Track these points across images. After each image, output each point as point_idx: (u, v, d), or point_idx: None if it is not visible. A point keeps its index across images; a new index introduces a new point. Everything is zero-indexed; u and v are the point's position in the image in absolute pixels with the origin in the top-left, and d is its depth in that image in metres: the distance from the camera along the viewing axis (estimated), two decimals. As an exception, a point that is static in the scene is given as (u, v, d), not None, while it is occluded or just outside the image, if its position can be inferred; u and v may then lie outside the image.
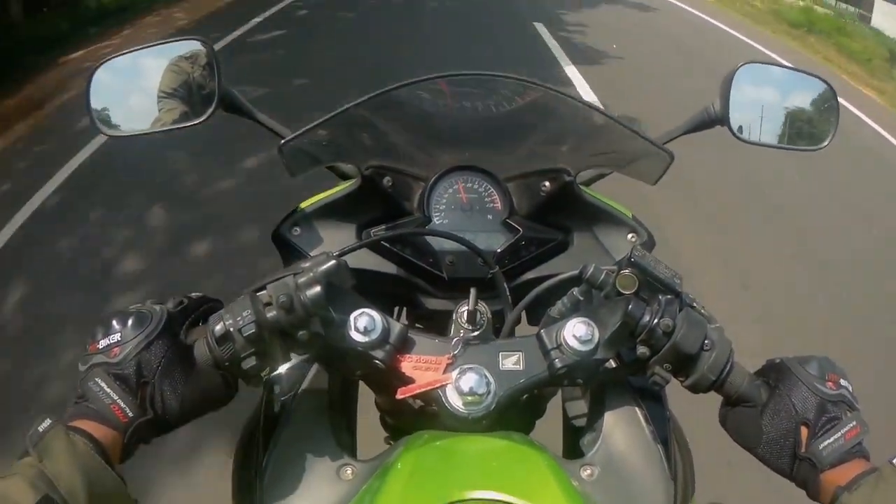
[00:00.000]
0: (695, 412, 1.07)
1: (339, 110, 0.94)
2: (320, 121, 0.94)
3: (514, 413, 0.98)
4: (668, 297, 0.82)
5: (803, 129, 1.27)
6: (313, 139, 0.99)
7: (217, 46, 1.14)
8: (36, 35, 8.54)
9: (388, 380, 0.86)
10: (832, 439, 0.77)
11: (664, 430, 0.91)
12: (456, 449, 0.81)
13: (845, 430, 0.78)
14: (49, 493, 0.63)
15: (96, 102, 1.13)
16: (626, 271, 0.83)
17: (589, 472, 0.84)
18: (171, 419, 0.77)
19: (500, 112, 1.07)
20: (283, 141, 0.95)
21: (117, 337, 0.76)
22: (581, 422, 1.03)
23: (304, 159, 1.03)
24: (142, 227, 4.45)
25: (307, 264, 0.80)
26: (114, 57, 1.15)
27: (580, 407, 1.06)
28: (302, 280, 0.77)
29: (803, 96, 1.28)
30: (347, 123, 0.99)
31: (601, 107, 0.96)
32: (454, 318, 0.96)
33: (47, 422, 0.68)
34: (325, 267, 0.79)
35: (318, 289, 0.76)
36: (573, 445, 0.99)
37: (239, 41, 8.51)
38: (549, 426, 1.13)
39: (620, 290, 0.83)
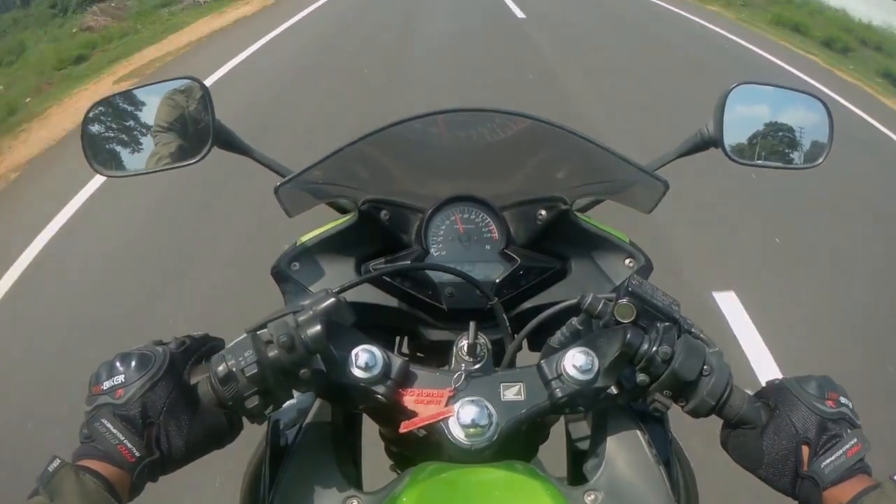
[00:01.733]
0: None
1: (333, 151, 0.95)
2: (316, 162, 0.96)
3: (518, 440, 0.98)
4: (666, 324, 0.83)
5: (798, 148, 1.27)
6: (309, 179, 1.00)
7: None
8: None
9: (391, 413, 0.87)
10: (834, 457, 0.78)
11: (666, 453, 0.91)
12: (460, 481, 0.81)
13: (847, 447, 0.78)
14: None
15: (91, 142, 1.14)
16: (624, 300, 0.83)
17: (593, 497, 0.84)
18: (177, 458, 0.78)
19: (495, 140, 1.08)
20: (278, 185, 0.96)
21: (121, 378, 0.77)
22: (584, 444, 1.03)
23: (300, 198, 1.04)
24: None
25: (307, 302, 0.81)
26: (108, 97, 1.16)
27: (583, 428, 1.07)
28: (302, 318, 0.78)
29: (797, 114, 1.28)
30: (342, 161, 1.00)
31: (595, 138, 0.96)
32: (455, 351, 0.96)
33: (57, 461, 0.69)
34: (324, 305, 0.79)
35: (318, 327, 0.77)
36: (577, 469, 0.99)
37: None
38: (554, 448, 1.13)
39: (619, 319, 0.83)
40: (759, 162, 1.23)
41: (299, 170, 0.97)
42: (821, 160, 1.25)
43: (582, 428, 1.07)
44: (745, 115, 1.21)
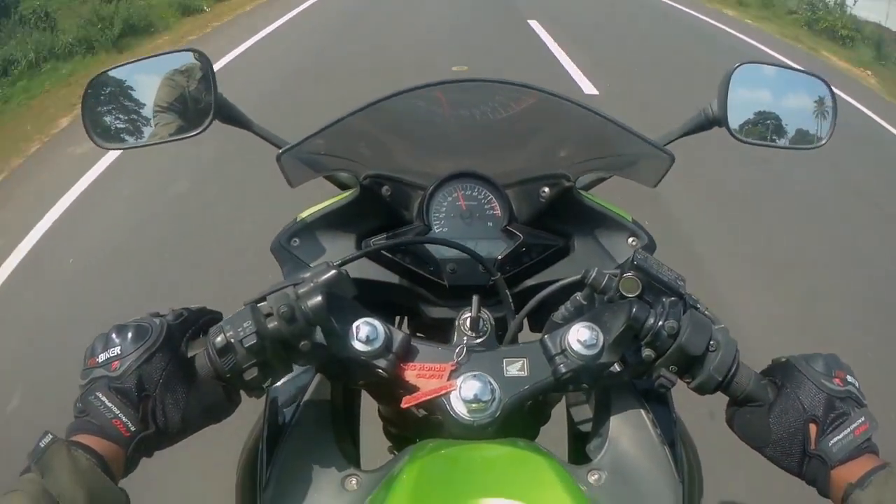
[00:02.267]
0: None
1: (335, 120, 0.93)
2: (317, 131, 0.94)
3: (519, 420, 0.97)
4: (672, 299, 0.82)
5: (802, 128, 1.27)
6: (311, 149, 0.99)
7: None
8: None
9: (391, 389, 0.86)
10: (842, 435, 0.77)
11: (671, 433, 0.90)
12: (462, 457, 0.80)
13: (854, 426, 0.78)
14: None
15: (92, 115, 1.13)
16: (629, 274, 0.83)
17: (596, 476, 0.84)
18: (173, 432, 0.76)
19: (498, 118, 1.07)
20: (280, 151, 0.95)
21: (117, 350, 0.76)
22: (586, 427, 1.02)
23: (302, 169, 1.03)
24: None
25: (307, 275, 0.79)
26: (109, 70, 1.15)
27: (585, 412, 1.06)
28: (302, 290, 0.77)
29: (800, 94, 1.28)
30: (345, 133, 0.99)
31: (601, 110, 0.95)
32: (457, 325, 0.95)
33: (49, 437, 0.68)
34: (325, 277, 0.78)
35: (318, 299, 0.76)
36: (579, 451, 0.98)
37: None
38: (554, 432, 1.12)
39: (624, 293, 0.82)
40: (763, 141, 1.23)
41: (300, 139, 0.95)
42: (825, 140, 1.25)
43: (584, 411, 1.07)
44: (748, 95, 1.20)
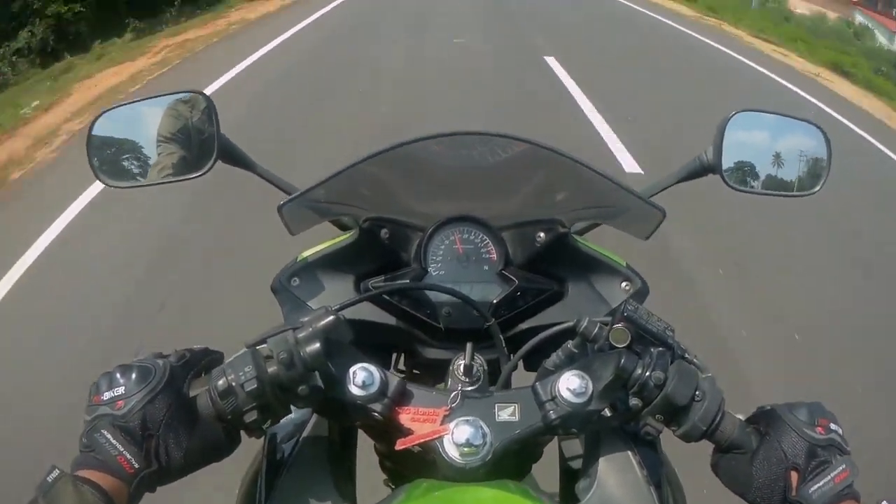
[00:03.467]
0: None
1: (336, 171, 0.96)
2: (319, 182, 0.97)
3: (511, 459, 0.98)
4: (660, 349, 0.84)
5: (796, 174, 1.28)
6: (312, 198, 1.01)
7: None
8: None
9: (386, 430, 0.88)
10: (822, 483, 0.79)
11: (657, 475, 0.92)
12: (454, 499, 0.82)
13: (835, 473, 0.79)
14: None
15: (96, 153, 1.14)
16: (619, 325, 0.84)
17: None
18: (176, 470, 0.78)
19: (495, 163, 1.09)
20: (281, 203, 0.97)
21: (121, 390, 0.77)
22: (577, 463, 1.03)
23: (303, 217, 1.05)
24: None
25: (306, 319, 0.81)
26: (113, 108, 1.17)
27: (576, 447, 1.07)
28: (301, 336, 0.79)
29: (796, 141, 1.30)
30: (345, 180, 1.01)
31: (592, 164, 0.97)
32: (451, 370, 0.97)
33: (56, 472, 0.70)
34: (323, 323, 0.80)
35: (317, 345, 0.78)
36: (569, 489, 0.99)
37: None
38: (547, 465, 1.13)
39: (613, 343, 0.84)
40: (758, 189, 1.24)
41: (303, 189, 0.97)
42: (818, 187, 1.26)
43: (575, 446, 1.08)
44: (744, 142, 1.21)
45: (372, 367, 0.83)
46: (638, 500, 0.88)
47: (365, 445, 1.12)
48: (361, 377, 0.82)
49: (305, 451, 0.93)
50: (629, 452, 0.92)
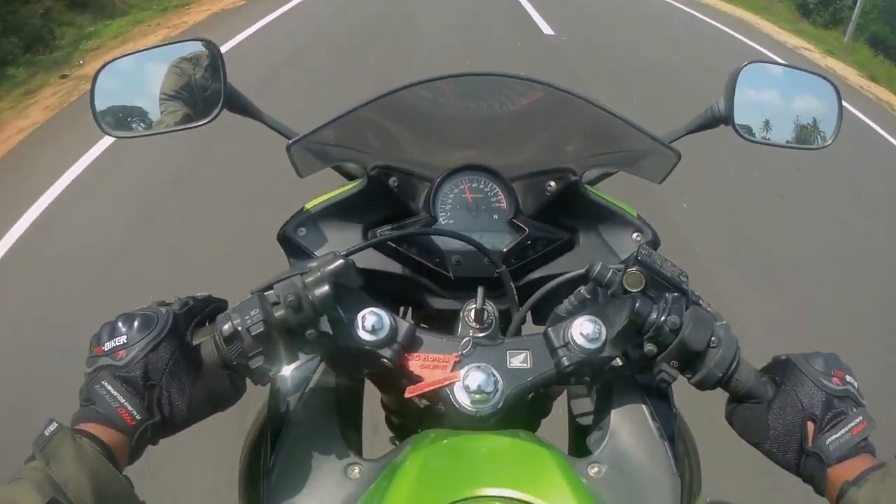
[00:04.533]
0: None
1: (345, 112, 0.94)
2: (327, 122, 0.95)
3: (521, 412, 0.98)
4: (675, 294, 0.82)
5: (807, 128, 1.27)
6: (320, 140, 0.99)
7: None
8: None
9: (395, 379, 0.87)
10: (839, 434, 0.78)
11: (670, 428, 0.91)
12: (464, 447, 0.81)
13: (852, 425, 0.78)
14: (56, 497, 0.63)
15: (101, 104, 1.13)
16: (633, 269, 0.83)
17: (596, 469, 0.84)
18: (179, 421, 0.77)
19: (505, 111, 1.07)
20: (290, 142, 0.95)
21: (123, 340, 0.76)
22: (587, 420, 1.03)
23: (311, 160, 1.03)
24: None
25: (314, 264, 0.80)
26: (117, 59, 1.15)
27: (586, 405, 1.07)
28: (310, 279, 0.78)
29: (807, 95, 1.29)
30: (354, 124, 0.99)
31: (609, 106, 0.96)
32: (461, 316, 0.96)
33: (54, 425, 0.68)
34: (332, 266, 0.79)
35: (326, 288, 0.76)
36: (579, 444, 0.99)
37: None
38: (555, 425, 1.13)
39: (627, 288, 0.83)
40: (769, 140, 1.23)
41: (310, 130, 0.96)
42: (830, 141, 1.25)
43: (585, 404, 1.07)
44: (755, 94, 1.20)
45: (382, 312, 0.82)
46: (651, 453, 0.87)
47: (371, 407, 1.12)
48: (371, 321, 0.81)
49: (311, 403, 0.92)
50: (642, 405, 0.91)
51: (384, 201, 1.08)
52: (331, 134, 0.99)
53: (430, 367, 0.83)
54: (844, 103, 1.26)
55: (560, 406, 1.15)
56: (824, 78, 1.27)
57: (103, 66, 1.14)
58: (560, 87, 0.95)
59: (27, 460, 0.67)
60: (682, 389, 0.90)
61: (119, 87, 1.15)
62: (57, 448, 0.66)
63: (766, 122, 1.23)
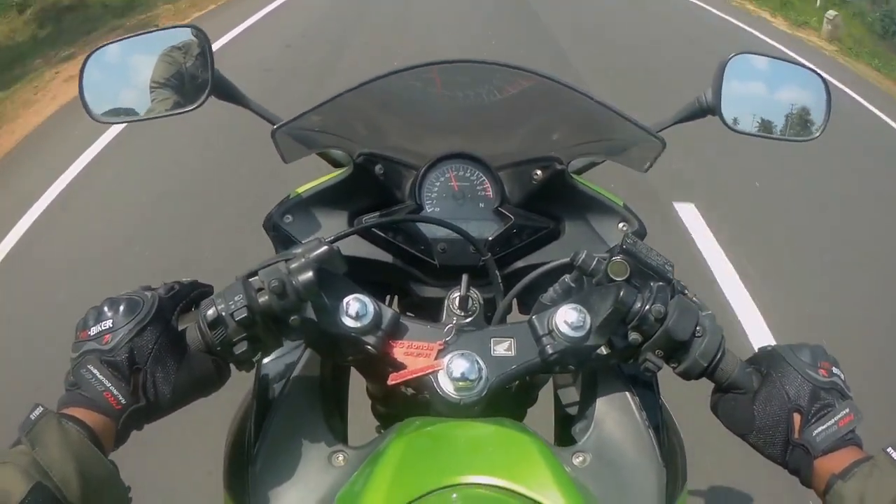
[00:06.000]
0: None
1: (331, 97, 0.94)
2: (313, 107, 0.94)
3: (506, 401, 0.98)
4: (660, 284, 0.82)
5: (795, 120, 1.27)
6: (306, 126, 0.99)
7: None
8: None
9: (379, 366, 0.86)
10: (826, 426, 0.78)
11: (655, 417, 0.91)
12: (448, 434, 0.81)
13: (839, 417, 0.78)
14: (42, 481, 0.63)
15: (89, 90, 1.12)
16: (618, 258, 0.83)
17: (581, 458, 0.84)
18: (164, 405, 0.77)
19: (492, 99, 1.07)
20: (275, 127, 0.95)
21: (109, 324, 0.76)
22: (573, 409, 1.03)
23: (296, 146, 1.03)
24: None
25: (299, 250, 0.80)
26: (107, 45, 1.15)
27: (572, 395, 1.07)
28: (294, 266, 0.77)
29: (795, 87, 1.29)
30: (340, 110, 0.99)
31: (594, 94, 0.96)
32: (446, 304, 0.96)
33: (39, 409, 0.68)
34: (317, 252, 0.79)
35: (310, 274, 0.76)
36: (565, 433, 0.99)
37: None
38: (541, 414, 1.13)
39: (612, 276, 0.83)
40: (756, 132, 1.24)
41: (295, 115, 0.96)
42: (817, 134, 1.25)
43: (571, 394, 1.08)
44: (743, 85, 1.20)
45: (366, 298, 0.82)
46: (636, 442, 0.87)
47: (356, 394, 1.12)
48: (355, 308, 0.81)
49: (296, 389, 0.91)
50: (627, 394, 0.91)
51: (370, 189, 1.08)
52: (317, 120, 0.99)
53: (413, 354, 0.83)
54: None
55: (547, 395, 1.16)
56: (813, 70, 1.27)
57: (92, 52, 1.14)
58: (547, 76, 0.95)
59: (13, 444, 0.67)
60: (669, 383, 0.90)
61: (108, 73, 1.14)
62: (42, 432, 0.66)
63: (754, 114, 1.23)
